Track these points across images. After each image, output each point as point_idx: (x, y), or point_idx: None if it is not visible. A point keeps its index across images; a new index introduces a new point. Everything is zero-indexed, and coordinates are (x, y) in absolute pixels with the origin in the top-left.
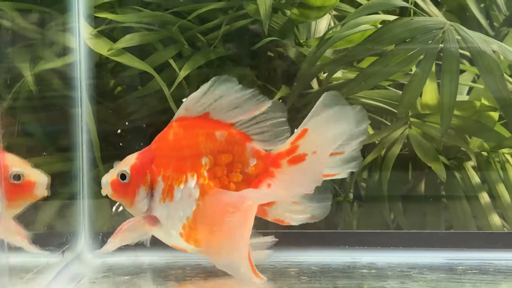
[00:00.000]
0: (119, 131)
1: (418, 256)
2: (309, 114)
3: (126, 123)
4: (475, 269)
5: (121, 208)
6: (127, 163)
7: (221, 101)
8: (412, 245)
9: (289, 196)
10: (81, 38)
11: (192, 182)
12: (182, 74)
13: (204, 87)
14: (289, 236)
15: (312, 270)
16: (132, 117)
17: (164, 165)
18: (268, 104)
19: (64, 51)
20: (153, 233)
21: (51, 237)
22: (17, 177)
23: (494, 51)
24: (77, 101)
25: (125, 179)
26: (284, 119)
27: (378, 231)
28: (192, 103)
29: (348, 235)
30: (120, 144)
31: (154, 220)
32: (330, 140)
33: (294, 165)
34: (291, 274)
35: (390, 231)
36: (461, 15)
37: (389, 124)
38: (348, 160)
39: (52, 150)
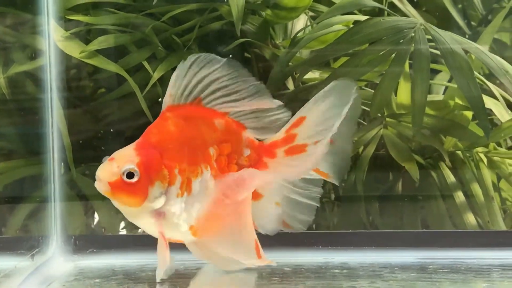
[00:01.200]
0: (93, 134)
1: (390, 255)
2: (308, 102)
3: (103, 126)
4: (447, 268)
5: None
6: (130, 160)
7: (210, 85)
8: (385, 245)
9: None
10: (51, 40)
11: (207, 174)
12: (156, 75)
13: (181, 68)
14: (262, 237)
15: (284, 271)
16: (107, 119)
17: (178, 158)
18: (268, 99)
19: (35, 53)
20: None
21: (22, 240)
22: None
23: (466, 51)
24: (48, 103)
25: (132, 178)
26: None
27: (351, 231)
28: (176, 88)
29: (321, 235)
30: (102, 147)
31: (161, 215)
32: (330, 127)
33: (292, 155)
34: (262, 275)
35: (364, 231)
36: (438, 15)
37: (366, 124)
38: (338, 153)
39: (24, 153)
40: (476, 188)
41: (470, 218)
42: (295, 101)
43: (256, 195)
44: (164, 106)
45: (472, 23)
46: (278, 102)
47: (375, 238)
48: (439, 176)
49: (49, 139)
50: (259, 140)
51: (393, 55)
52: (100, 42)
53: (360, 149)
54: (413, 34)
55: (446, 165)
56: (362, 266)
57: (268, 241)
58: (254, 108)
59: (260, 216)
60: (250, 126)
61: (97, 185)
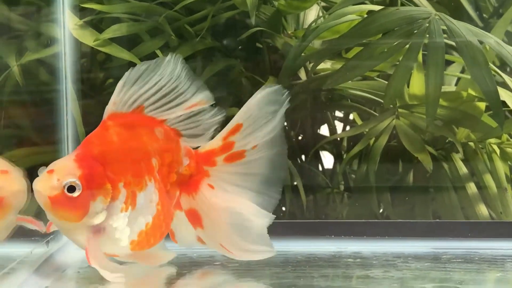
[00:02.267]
0: None
1: (403, 245)
2: (242, 108)
3: None
4: (460, 258)
5: None
6: (72, 173)
7: (156, 93)
8: (398, 235)
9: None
10: (66, 28)
11: (151, 186)
12: None
13: (134, 73)
14: (275, 226)
15: (297, 260)
16: None
17: (122, 171)
18: (206, 98)
19: (50, 42)
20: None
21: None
22: None
23: (480, 42)
24: (63, 92)
25: (74, 192)
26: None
27: (364, 220)
28: (121, 96)
29: (334, 224)
30: None
31: (100, 230)
32: (268, 133)
33: (232, 162)
34: (277, 264)
35: (377, 220)
36: (450, 6)
37: (377, 115)
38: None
39: (38, 141)
40: (488, 179)
41: (482, 210)
42: (306, 92)
43: (178, 206)
44: (105, 114)
45: (484, 15)
46: (211, 101)
47: (388, 228)
48: (451, 168)
49: (64, 128)
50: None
51: (408, 45)
52: (114, 31)
53: (372, 140)
54: (427, 25)
55: (458, 156)
56: (375, 255)
57: (279, 230)
58: (192, 109)
59: (179, 228)
60: (185, 133)
61: (36, 196)
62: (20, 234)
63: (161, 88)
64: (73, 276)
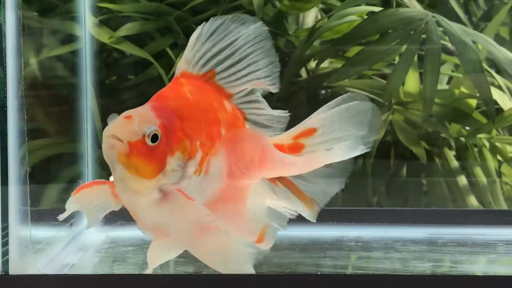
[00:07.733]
0: None
1: (401, 231)
2: (318, 112)
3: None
4: (454, 242)
5: None
6: (152, 121)
7: (229, 57)
8: (395, 222)
9: None
10: (86, 26)
11: (223, 153)
12: (178, 61)
13: (208, 26)
14: None
15: (303, 243)
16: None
17: (197, 129)
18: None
19: (70, 38)
20: None
21: (59, 213)
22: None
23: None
24: (82, 87)
25: (155, 142)
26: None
27: (363, 208)
28: (193, 52)
29: (335, 212)
30: None
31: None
32: (344, 145)
33: None
34: (284, 246)
35: (375, 208)
36: (441, 9)
37: None
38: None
39: (60, 133)
40: (479, 172)
41: (473, 201)
42: (305, 89)
43: None
44: (178, 71)
45: (473, 19)
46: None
47: (386, 215)
48: (443, 161)
49: (84, 123)
50: None
51: (406, 44)
52: (127, 29)
53: None
54: (425, 25)
55: (450, 151)
56: (375, 239)
57: None
58: (260, 87)
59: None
60: (249, 118)
61: (109, 145)
62: (42, 219)
63: (235, 51)
64: (96, 255)
